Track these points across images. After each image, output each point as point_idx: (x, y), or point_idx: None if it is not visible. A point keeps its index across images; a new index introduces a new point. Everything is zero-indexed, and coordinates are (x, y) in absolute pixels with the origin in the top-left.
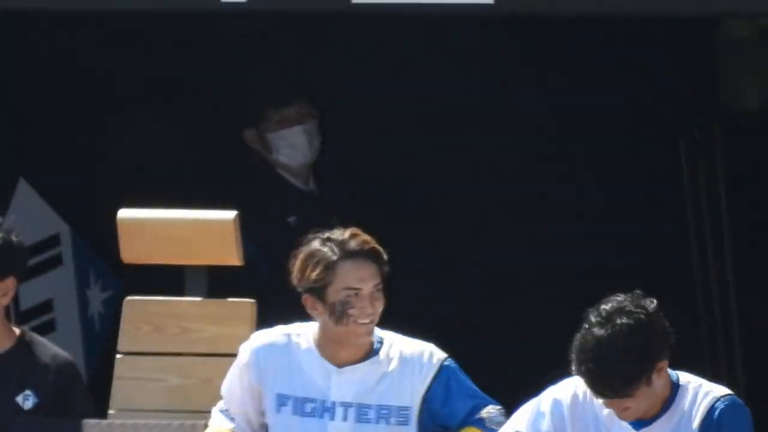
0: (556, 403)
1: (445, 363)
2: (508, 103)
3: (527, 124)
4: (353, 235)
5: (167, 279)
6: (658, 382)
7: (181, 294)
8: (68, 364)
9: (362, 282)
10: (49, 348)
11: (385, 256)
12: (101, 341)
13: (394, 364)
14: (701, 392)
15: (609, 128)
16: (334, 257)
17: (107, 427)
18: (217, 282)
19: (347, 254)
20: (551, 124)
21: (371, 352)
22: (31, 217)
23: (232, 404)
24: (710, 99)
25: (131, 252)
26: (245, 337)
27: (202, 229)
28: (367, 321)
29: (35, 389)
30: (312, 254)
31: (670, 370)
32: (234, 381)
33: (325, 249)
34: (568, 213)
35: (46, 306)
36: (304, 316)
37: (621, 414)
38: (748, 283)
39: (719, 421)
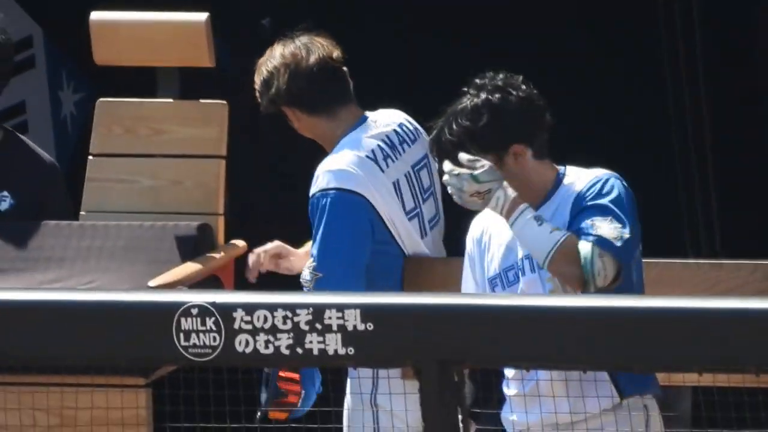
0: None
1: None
2: None
3: None
4: None
5: (139, 82)
6: (518, 169)
7: (154, 96)
8: (53, 167)
9: None
10: (34, 150)
11: None
12: (73, 143)
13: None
14: (583, 176)
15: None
16: None
17: (78, 228)
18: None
19: None
20: None
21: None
22: (3, 18)
23: None
24: None
25: (104, 54)
26: (217, 139)
27: (173, 31)
28: None
29: (12, 190)
30: None
31: (564, 167)
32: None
33: None
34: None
35: (19, 108)
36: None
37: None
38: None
39: (594, 185)
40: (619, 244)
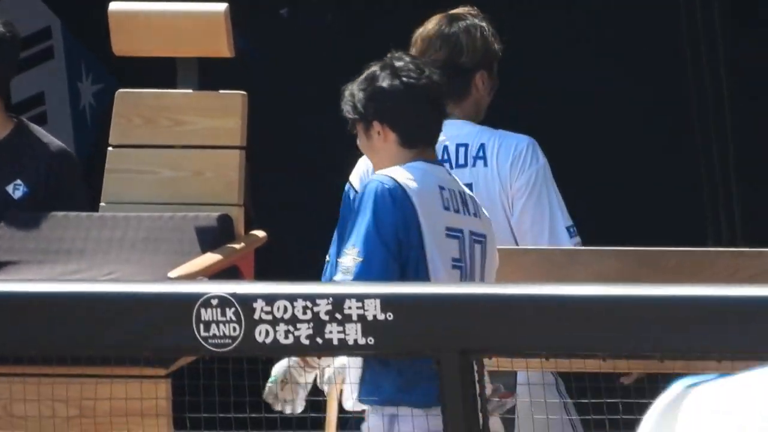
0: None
1: None
2: None
3: None
4: None
5: (159, 72)
6: (380, 147)
7: (173, 87)
8: (63, 153)
9: None
10: (44, 137)
11: None
12: (92, 134)
13: None
14: None
15: None
16: None
17: (98, 219)
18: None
19: None
20: None
21: None
22: (22, 10)
23: None
24: None
25: (122, 44)
26: (236, 129)
27: (193, 21)
28: None
29: (25, 179)
30: None
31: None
32: None
33: None
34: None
35: (38, 99)
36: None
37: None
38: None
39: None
40: (349, 277)
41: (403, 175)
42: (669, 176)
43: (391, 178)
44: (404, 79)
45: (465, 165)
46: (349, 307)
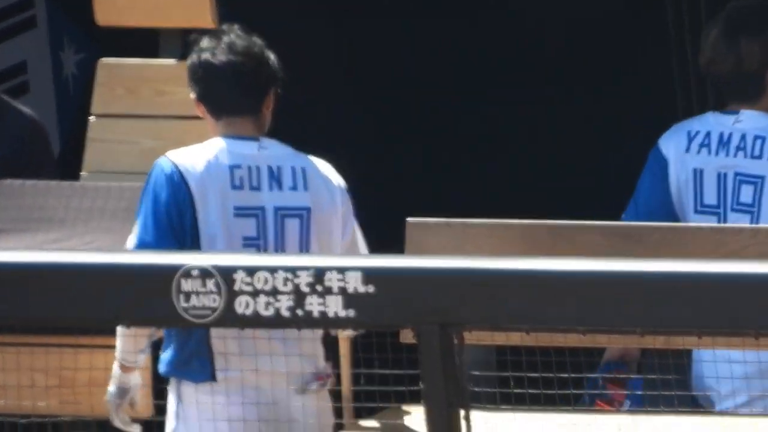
0: None
1: None
2: None
3: None
4: None
5: (142, 42)
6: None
7: (156, 57)
8: (33, 122)
9: None
10: (14, 106)
11: None
12: (75, 104)
13: None
14: None
15: None
16: None
17: (80, 188)
18: None
19: None
20: None
21: None
22: None
23: None
24: None
25: (106, 14)
26: None
27: None
28: None
29: None
30: None
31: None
32: None
33: None
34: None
35: (20, 68)
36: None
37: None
38: None
39: None
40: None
41: (188, 156)
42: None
43: (171, 161)
44: (204, 55)
45: (760, 157)
46: (330, 280)
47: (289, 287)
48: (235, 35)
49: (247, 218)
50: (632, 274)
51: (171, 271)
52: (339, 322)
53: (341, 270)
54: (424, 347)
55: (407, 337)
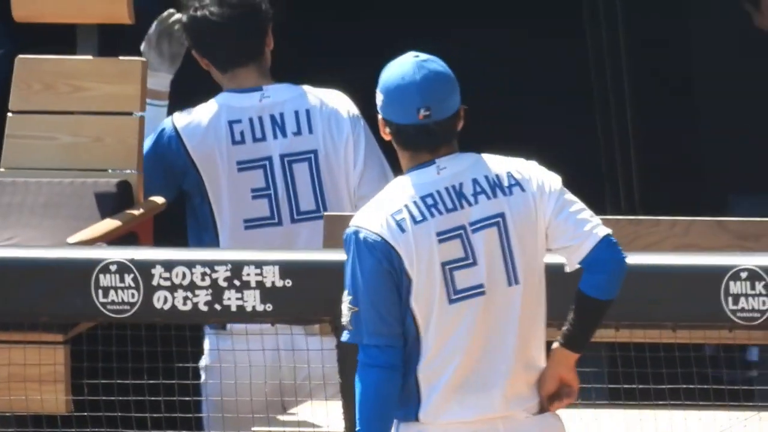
0: None
1: None
2: None
3: None
4: None
5: (59, 39)
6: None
7: (74, 53)
8: None
9: None
10: None
11: None
12: None
13: None
14: None
15: None
16: None
17: None
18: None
19: None
20: None
21: None
22: None
23: None
24: None
25: (23, 9)
26: (135, 95)
27: None
28: None
29: None
30: None
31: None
32: None
33: None
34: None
35: None
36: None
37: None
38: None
39: None
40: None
41: (187, 116)
42: (567, 145)
43: (172, 122)
44: (200, 12)
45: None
46: (248, 274)
47: (207, 282)
48: None
49: (253, 170)
50: (554, 265)
51: (89, 265)
52: (257, 316)
53: (258, 264)
54: (342, 341)
55: (326, 330)
